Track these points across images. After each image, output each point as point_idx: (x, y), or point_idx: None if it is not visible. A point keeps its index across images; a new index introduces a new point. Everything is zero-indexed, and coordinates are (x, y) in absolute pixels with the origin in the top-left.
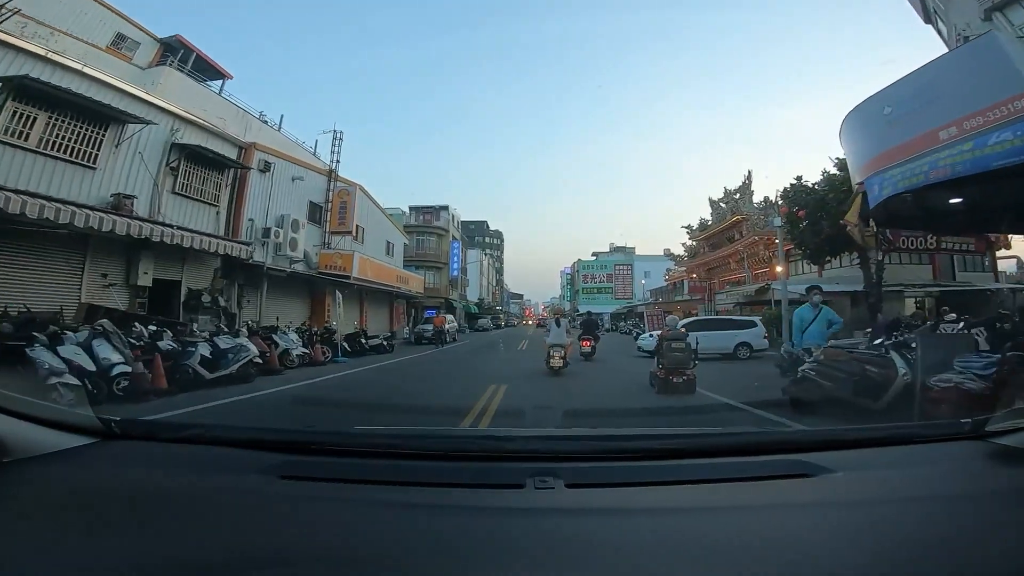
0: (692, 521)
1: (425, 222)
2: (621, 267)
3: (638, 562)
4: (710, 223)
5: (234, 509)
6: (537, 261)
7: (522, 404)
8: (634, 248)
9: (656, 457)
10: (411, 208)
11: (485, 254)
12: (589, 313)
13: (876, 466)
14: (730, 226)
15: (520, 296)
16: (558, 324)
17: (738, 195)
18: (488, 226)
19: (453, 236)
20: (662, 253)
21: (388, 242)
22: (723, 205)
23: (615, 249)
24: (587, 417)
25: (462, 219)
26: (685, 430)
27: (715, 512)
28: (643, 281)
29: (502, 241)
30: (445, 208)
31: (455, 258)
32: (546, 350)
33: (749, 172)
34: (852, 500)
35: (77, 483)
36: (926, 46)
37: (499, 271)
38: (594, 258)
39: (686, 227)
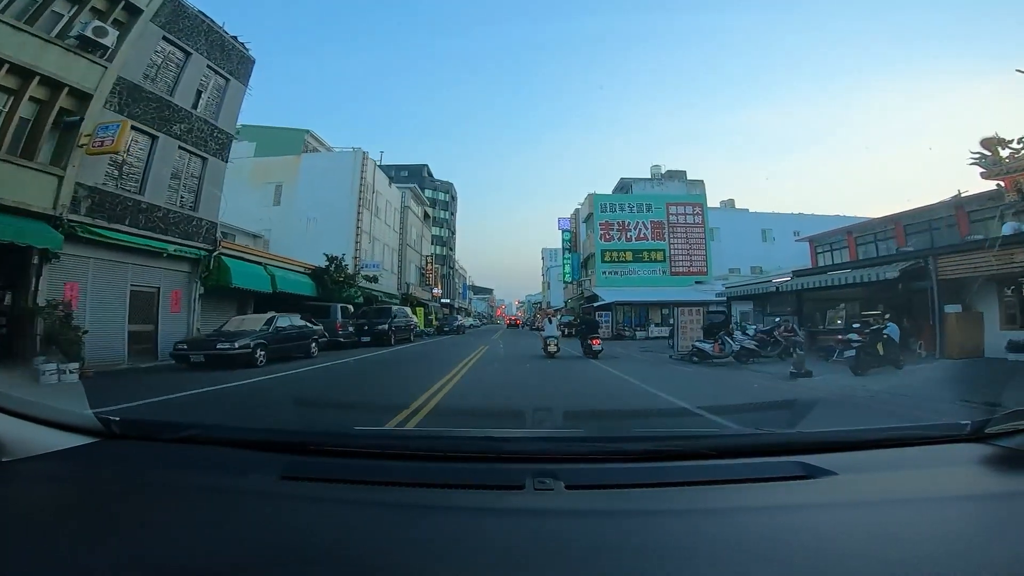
0: (692, 523)
1: None
2: (683, 208)
3: (639, 564)
4: None
5: (235, 510)
6: (511, 256)
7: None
8: (702, 180)
9: (656, 458)
10: None
11: (407, 191)
12: (590, 313)
13: (876, 468)
14: None
15: (489, 291)
16: (550, 322)
17: None
18: (430, 172)
19: None
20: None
21: None
22: None
23: (664, 176)
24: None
25: (390, 163)
26: (685, 431)
27: (716, 514)
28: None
29: (454, 199)
30: None
31: None
32: (542, 340)
33: None
34: (853, 502)
35: (76, 483)
36: None
37: (446, 242)
38: (623, 193)
39: None
